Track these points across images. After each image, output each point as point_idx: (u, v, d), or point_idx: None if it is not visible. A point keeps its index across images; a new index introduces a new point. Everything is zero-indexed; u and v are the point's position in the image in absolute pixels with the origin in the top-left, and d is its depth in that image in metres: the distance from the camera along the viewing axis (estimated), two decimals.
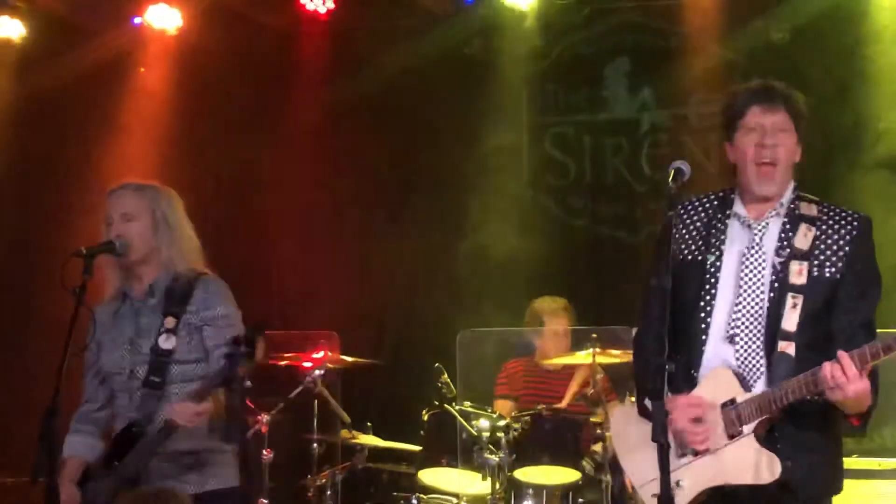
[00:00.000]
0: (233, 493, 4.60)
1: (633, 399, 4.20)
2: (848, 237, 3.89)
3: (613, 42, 8.83)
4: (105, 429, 4.62)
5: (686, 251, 4.01)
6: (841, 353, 3.59)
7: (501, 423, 6.42)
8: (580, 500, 6.40)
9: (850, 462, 6.05)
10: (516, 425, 6.43)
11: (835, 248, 3.88)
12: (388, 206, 9.05)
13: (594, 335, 6.64)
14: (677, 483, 3.78)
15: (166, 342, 4.48)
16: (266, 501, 6.81)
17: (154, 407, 4.45)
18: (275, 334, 7.35)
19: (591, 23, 8.65)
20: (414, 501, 6.45)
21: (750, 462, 3.75)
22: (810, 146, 8.06)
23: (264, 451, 6.83)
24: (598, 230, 8.78)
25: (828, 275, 3.85)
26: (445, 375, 6.74)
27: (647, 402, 3.83)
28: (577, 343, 7.03)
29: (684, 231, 4.04)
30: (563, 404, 7.08)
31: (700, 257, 3.96)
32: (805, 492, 3.81)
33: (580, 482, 6.34)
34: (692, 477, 3.82)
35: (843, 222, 3.92)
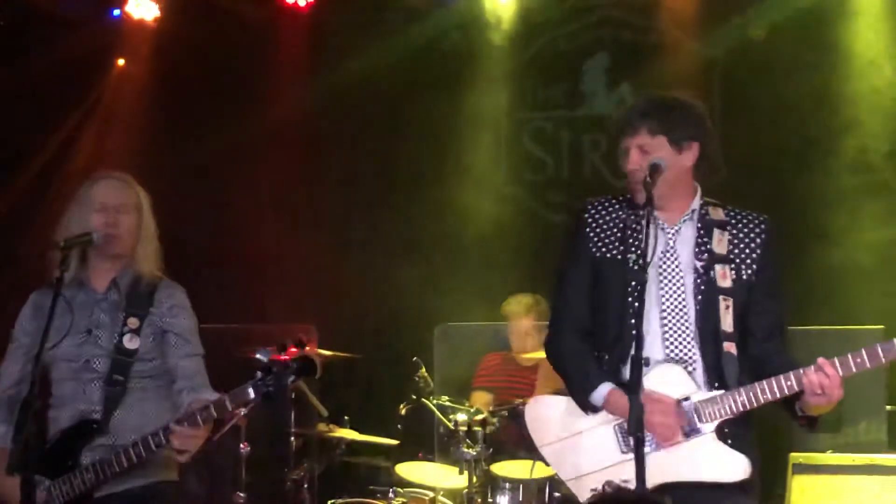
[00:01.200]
0: (173, 486, 4.60)
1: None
2: (758, 240, 4.04)
3: (592, 38, 8.84)
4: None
5: (603, 249, 4.08)
6: (822, 361, 3.72)
7: (479, 417, 6.44)
8: (556, 493, 6.42)
9: (824, 457, 6.10)
10: (493, 419, 6.44)
11: (747, 251, 4.02)
12: (367, 199, 9.05)
13: None
14: (624, 480, 3.75)
15: (130, 342, 4.47)
16: (243, 495, 6.80)
17: (115, 404, 4.44)
18: (252, 328, 7.35)
19: (571, 18, 8.66)
20: (391, 495, 6.46)
21: (716, 461, 3.84)
22: (787, 144, 8.16)
23: (241, 445, 6.82)
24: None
25: (745, 277, 4.00)
26: (423, 370, 6.75)
27: (598, 396, 3.93)
28: None
29: (599, 230, 4.12)
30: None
31: (619, 256, 4.03)
32: (753, 484, 3.93)
33: (557, 476, 6.35)
34: (648, 472, 3.78)
35: (751, 226, 4.07)
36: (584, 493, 3.96)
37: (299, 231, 8.93)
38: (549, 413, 4.16)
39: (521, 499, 6.45)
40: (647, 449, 3.71)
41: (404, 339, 8.16)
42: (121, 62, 8.99)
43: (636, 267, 3.92)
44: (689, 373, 3.92)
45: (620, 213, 4.13)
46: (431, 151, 8.77)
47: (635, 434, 3.54)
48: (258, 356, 4.16)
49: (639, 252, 3.94)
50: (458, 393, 7.01)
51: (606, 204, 4.19)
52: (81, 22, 8.71)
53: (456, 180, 8.63)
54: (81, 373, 4.47)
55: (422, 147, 8.84)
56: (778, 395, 3.79)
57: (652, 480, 3.76)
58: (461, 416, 6.47)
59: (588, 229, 4.13)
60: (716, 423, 3.85)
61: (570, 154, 8.94)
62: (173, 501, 4.62)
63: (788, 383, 3.76)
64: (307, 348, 4.12)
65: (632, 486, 3.72)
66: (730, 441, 3.87)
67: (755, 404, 3.82)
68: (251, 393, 4.10)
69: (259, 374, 4.10)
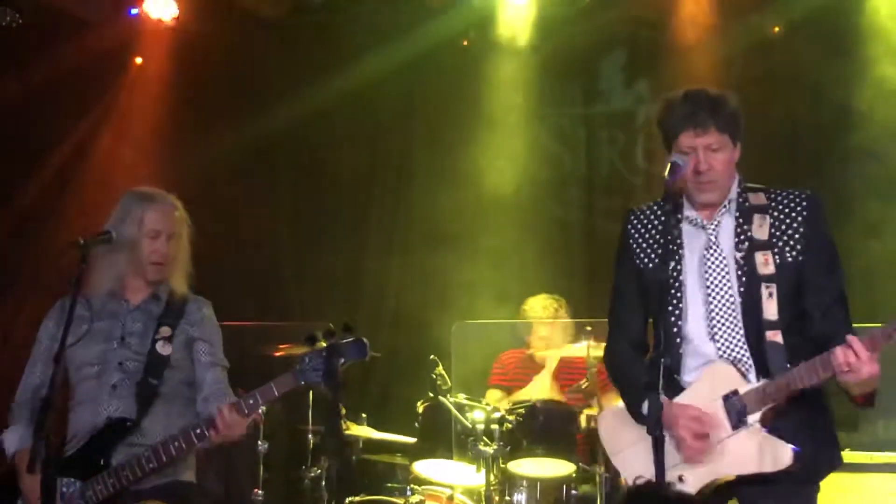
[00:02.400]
0: (190, 486, 4.66)
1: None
2: (800, 218, 3.98)
3: (609, 35, 8.83)
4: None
5: (647, 260, 4.11)
6: (851, 338, 3.66)
7: (496, 415, 6.44)
8: (574, 491, 6.43)
9: (842, 455, 6.09)
10: (510, 417, 6.45)
11: (790, 231, 3.97)
12: (384, 198, 9.06)
13: (588, 328, 6.68)
14: (679, 478, 3.88)
15: (163, 349, 4.59)
16: (261, 492, 6.82)
17: (148, 406, 4.52)
18: (271, 326, 7.38)
19: (588, 15, 8.63)
20: (408, 492, 6.46)
21: (758, 452, 3.81)
22: (803, 138, 8.12)
23: (259, 442, 6.84)
24: (593, 222, 8.79)
25: (790, 259, 3.94)
26: (440, 368, 6.76)
27: (645, 407, 3.87)
28: (575, 334, 7.07)
29: (641, 240, 4.16)
30: (545, 378, 7.12)
31: (662, 265, 3.97)
32: (810, 469, 3.88)
33: (574, 474, 6.36)
34: (695, 471, 3.89)
35: (792, 205, 4.01)
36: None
37: (317, 230, 8.96)
38: (616, 423, 4.20)
39: (538, 496, 6.46)
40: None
41: (421, 337, 8.17)
42: (138, 61, 9.00)
43: (675, 273, 3.97)
44: (745, 370, 3.91)
45: (661, 218, 4.13)
46: (448, 149, 8.78)
47: (653, 434, 3.54)
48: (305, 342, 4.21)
49: (678, 259, 3.99)
50: (474, 391, 7.02)
51: (648, 212, 4.21)
52: (100, 21, 8.74)
53: (473, 178, 8.63)
54: (111, 373, 4.54)
55: (438, 145, 8.85)
56: (813, 380, 3.75)
57: (706, 478, 3.84)
58: (478, 414, 6.47)
59: (631, 240, 4.18)
60: (759, 413, 3.84)
61: (587, 151, 8.94)
62: (191, 500, 4.66)
63: (820, 365, 3.72)
64: (356, 330, 4.17)
65: (688, 485, 3.87)
66: (781, 429, 3.83)
67: (795, 389, 3.78)
68: (295, 378, 4.20)
69: (306, 359, 4.17)
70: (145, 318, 4.64)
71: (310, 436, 7.07)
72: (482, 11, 8.72)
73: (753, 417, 3.85)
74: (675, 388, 4.00)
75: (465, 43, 8.90)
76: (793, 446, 3.80)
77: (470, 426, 6.44)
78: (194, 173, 8.17)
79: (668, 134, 4.09)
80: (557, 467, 6.40)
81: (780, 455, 3.80)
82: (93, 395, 4.55)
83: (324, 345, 4.14)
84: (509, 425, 6.41)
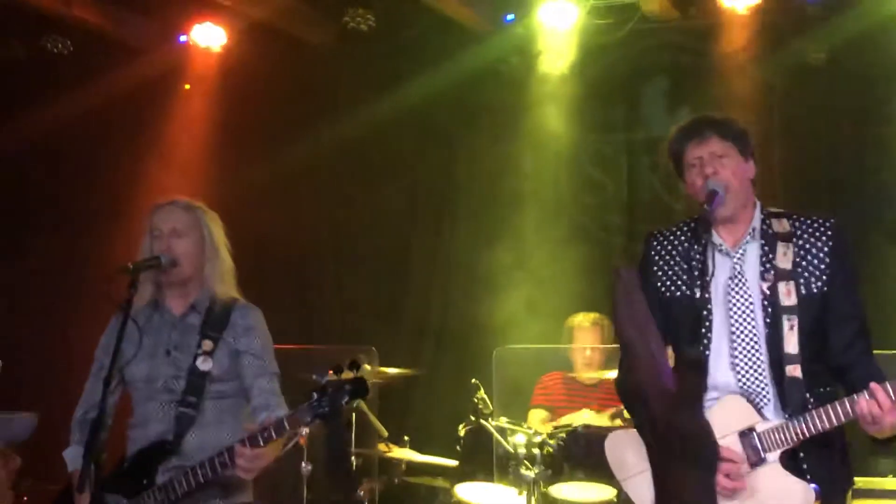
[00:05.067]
0: None
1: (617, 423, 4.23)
2: (826, 248, 3.93)
3: (651, 61, 8.84)
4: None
5: (672, 286, 4.04)
6: (875, 387, 3.62)
7: (537, 438, 6.46)
8: None
9: (885, 482, 6.08)
10: (552, 441, 6.47)
11: (816, 262, 3.92)
12: (427, 222, 9.11)
13: None
14: None
15: (204, 364, 4.55)
16: None
17: (188, 424, 4.53)
18: (314, 349, 7.45)
19: (629, 42, 8.65)
20: None
21: (780, 490, 3.77)
22: (844, 166, 8.09)
23: (303, 464, 6.90)
24: (635, 248, 8.77)
25: (815, 290, 3.89)
26: (482, 391, 6.79)
27: None
28: (615, 359, 7.07)
29: (665, 266, 4.08)
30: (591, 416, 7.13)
31: (689, 292, 3.98)
32: (829, 498, 3.84)
33: (615, 499, 6.37)
34: None
35: (817, 234, 3.96)
36: None
37: (360, 254, 9.03)
38: (625, 448, 4.19)
39: None
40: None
41: (463, 360, 8.20)
42: (187, 87, 9.12)
43: (702, 300, 3.91)
44: (763, 404, 3.87)
45: (685, 243, 4.08)
46: (490, 175, 8.82)
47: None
48: (315, 378, 4.23)
49: (703, 285, 3.91)
50: (516, 415, 7.04)
51: (671, 236, 4.15)
52: (149, 48, 8.87)
53: (515, 203, 8.66)
54: (161, 394, 4.56)
55: (480, 170, 8.89)
56: (834, 423, 3.72)
57: None
58: (520, 438, 6.50)
59: (654, 266, 4.11)
60: (779, 451, 3.80)
61: (629, 177, 8.94)
62: None
63: (843, 410, 3.69)
64: (362, 368, 4.18)
65: None
66: (804, 467, 3.81)
67: (814, 432, 3.75)
68: (306, 415, 4.16)
69: (315, 395, 4.14)
70: (188, 331, 4.61)
71: (352, 458, 7.13)
72: (524, 38, 8.76)
73: (773, 455, 3.80)
74: None
75: (505, 69, 8.94)
76: (814, 485, 3.77)
77: (511, 450, 6.48)
78: (239, 197, 8.24)
79: (676, 157, 4.09)
80: (598, 492, 6.41)
81: (802, 495, 3.76)
82: (144, 415, 4.59)
83: (330, 381, 4.15)
84: (550, 449, 6.43)
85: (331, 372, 4.17)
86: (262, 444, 4.22)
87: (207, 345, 4.57)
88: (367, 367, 7.10)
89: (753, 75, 8.33)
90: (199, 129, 8.94)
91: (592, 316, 7.48)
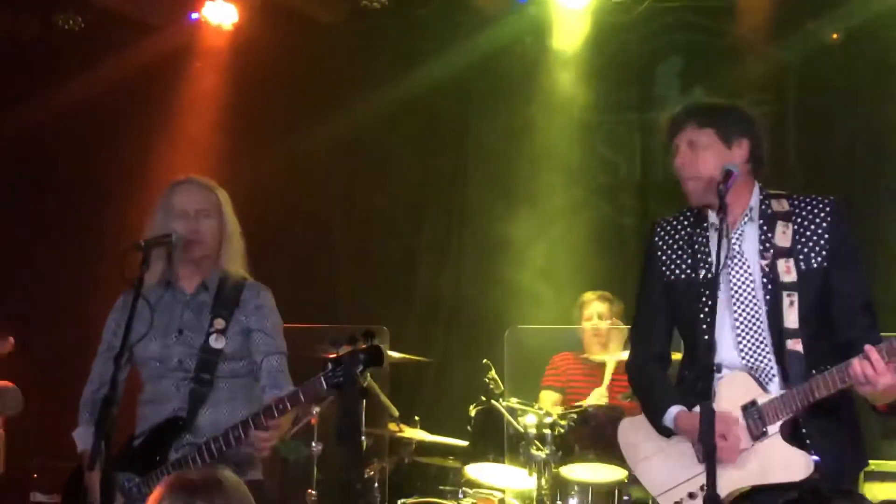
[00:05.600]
0: (256, 484, 4.63)
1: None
2: (825, 224, 3.97)
3: (665, 41, 8.79)
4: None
5: (676, 270, 4.12)
6: (869, 349, 3.64)
7: (548, 419, 6.46)
8: (626, 497, 6.42)
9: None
10: (563, 422, 6.46)
11: (815, 238, 3.96)
12: (439, 202, 9.09)
13: None
14: (701, 488, 3.85)
15: (217, 342, 4.56)
16: (315, 493, 6.88)
17: (201, 401, 4.54)
18: (325, 328, 7.44)
19: (644, 21, 8.61)
20: (460, 495, 6.50)
21: (780, 461, 3.82)
22: (861, 147, 8.05)
23: (313, 444, 6.90)
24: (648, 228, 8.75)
25: (815, 265, 3.94)
26: (493, 372, 6.78)
27: (668, 419, 4.01)
28: (625, 339, 7.07)
29: (669, 251, 4.17)
30: (602, 388, 7.11)
31: (693, 275, 4.06)
32: (835, 476, 3.87)
33: (626, 479, 6.36)
34: (719, 480, 3.84)
35: (816, 210, 4.00)
36: None
37: (372, 234, 9.02)
38: (637, 433, 4.25)
39: (589, 501, 6.47)
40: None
41: (474, 341, 8.20)
42: (198, 65, 9.10)
43: (705, 281, 3.99)
44: (767, 380, 3.92)
45: (688, 228, 4.16)
46: (503, 155, 8.79)
47: (705, 441, 3.54)
48: (332, 350, 4.21)
49: (707, 267, 4.00)
50: (527, 395, 7.03)
51: (674, 222, 4.23)
52: (160, 26, 8.85)
53: (527, 183, 8.64)
54: (175, 372, 4.58)
55: (493, 150, 8.86)
56: (832, 388, 3.74)
57: (728, 488, 3.83)
58: (531, 418, 6.49)
59: (659, 252, 4.20)
60: (779, 423, 3.85)
61: (642, 157, 8.91)
62: (259, 501, 4.69)
63: (840, 376, 3.71)
64: (377, 338, 4.16)
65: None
66: (808, 438, 3.85)
67: (811, 400, 3.78)
68: (322, 384, 4.15)
69: (329, 365, 4.14)
70: (200, 309, 4.62)
71: (363, 438, 7.12)
72: (538, 18, 8.72)
73: (773, 428, 3.87)
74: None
75: (519, 50, 8.90)
76: (814, 456, 3.81)
77: (522, 430, 6.47)
78: (251, 176, 8.25)
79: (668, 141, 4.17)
80: (609, 472, 6.40)
81: (802, 465, 3.82)
82: (156, 393, 4.60)
83: (345, 352, 4.14)
84: (561, 430, 6.42)
85: (346, 346, 4.15)
86: (276, 415, 4.22)
87: (219, 323, 4.58)
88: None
89: (769, 55, 8.29)
90: (210, 107, 8.92)
91: (600, 292, 7.48)
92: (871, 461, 5.91)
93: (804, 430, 3.87)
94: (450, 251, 8.93)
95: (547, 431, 6.40)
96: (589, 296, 7.50)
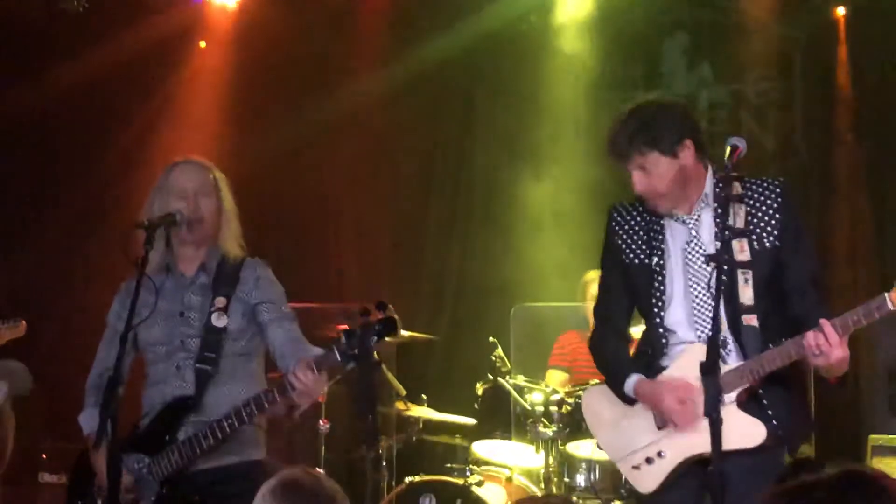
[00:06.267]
0: (260, 465, 4.65)
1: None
2: (775, 205, 4.14)
3: (672, 18, 8.77)
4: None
5: (631, 255, 4.29)
6: (824, 322, 3.81)
7: (555, 396, 6.46)
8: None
9: None
10: (569, 399, 6.47)
11: (766, 219, 4.13)
12: (445, 180, 9.09)
13: None
14: (658, 453, 4.10)
15: (219, 320, 4.53)
16: (322, 471, 6.90)
17: (207, 381, 4.52)
18: (332, 307, 7.45)
19: None
20: (467, 473, 6.51)
21: (736, 428, 3.91)
22: (870, 122, 8.03)
23: (321, 422, 6.91)
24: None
25: (768, 245, 4.10)
26: (499, 350, 6.79)
27: (629, 387, 4.20)
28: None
29: (625, 235, 4.33)
30: None
31: (646, 260, 4.24)
32: (790, 439, 4.10)
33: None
34: (674, 447, 4.08)
35: (767, 192, 4.16)
36: (628, 472, 4.25)
37: (378, 213, 9.01)
38: (600, 402, 4.41)
39: (597, 478, 6.48)
40: (672, 427, 4.06)
41: (481, 319, 8.20)
42: (202, 45, 9.09)
43: (657, 267, 4.20)
44: (726, 354, 4.05)
45: (645, 215, 4.30)
46: (508, 132, 8.78)
47: (710, 415, 3.59)
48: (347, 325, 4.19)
49: (660, 254, 4.21)
50: (534, 373, 7.04)
51: (631, 209, 4.36)
52: (165, 6, 8.84)
53: (533, 161, 8.63)
54: (177, 353, 4.56)
55: (499, 127, 8.85)
56: (787, 360, 3.91)
57: (684, 454, 4.01)
58: (537, 396, 6.50)
59: (615, 236, 4.35)
60: (735, 392, 3.98)
61: None
62: (261, 481, 4.68)
63: (795, 348, 3.88)
64: (390, 308, 4.12)
65: (667, 459, 4.07)
66: (768, 407, 4.02)
67: (766, 370, 3.94)
68: (337, 356, 4.13)
69: (343, 338, 4.11)
70: (201, 291, 4.59)
71: (370, 416, 7.12)
72: None
73: (730, 397, 3.97)
74: (657, 372, 4.19)
75: (525, 27, 8.87)
76: (773, 422, 3.99)
77: (529, 408, 6.48)
78: (254, 156, 8.25)
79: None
80: None
81: (756, 432, 3.98)
82: (161, 375, 4.58)
83: (359, 323, 4.11)
84: (568, 407, 6.43)
85: (360, 319, 4.14)
86: (316, 370, 4.19)
87: (220, 301, 4.56)
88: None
89: (775, 31, 8.25)
90: (214, 87, 8.92)
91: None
92: (878, 436, 5.98)
93: (764, 400, 4.03)
94: (455, 230, 8.93)
95: (554, 409, 6.41)
96: (592, 274, 7.46)
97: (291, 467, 3.31)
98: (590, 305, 7.41)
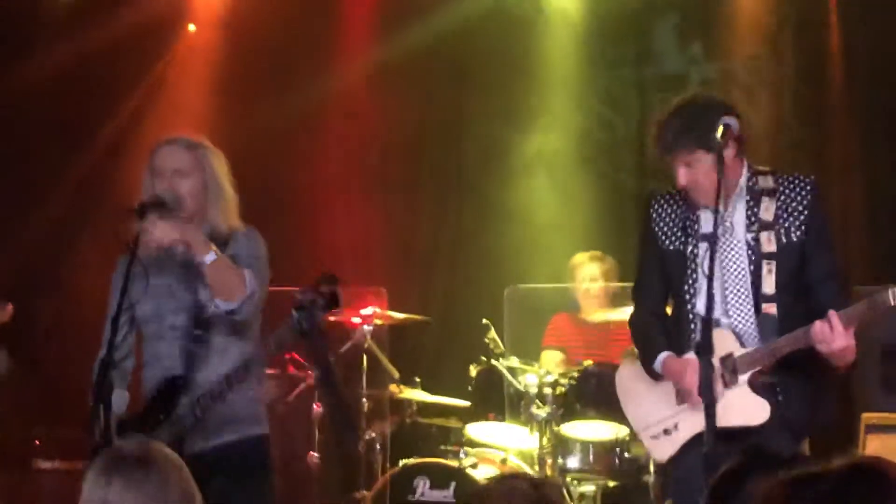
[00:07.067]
0: (264, 439, 4.68)
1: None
2: (805, 202, 4.38)
3: None
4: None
5: (667, 241, 4.55)
6: (831, 313, 4.09)
7: (549, 378, 6.46)
8: (626, 454, 6.44)
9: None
10: (563, 380, 6.47)
11: (796, 213, 4.38)
12: (435, 163, 9.07)
13: None
14: (675, 426, 4.45)
15: (204, 294, 4.51)
16: (316, 455, 6.90)
17: (196, 359, 4.52)
18: None
19: None
20: (462, 455, 6.51)
21: (742, 407, 4.25)
22: (860, 107, 8.01)
23: (314, 406, 6.91)
24: (645, 185, 8.71)
25: (795, 239, 4.36)
26: (493, 331, 6.79)
27: (658, 363, 4.47)
28: (623, 298, 7.04)
29: (662, 224, 4.58)
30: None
31: (681, 247, 4.50)
32: (799, 427, 4.34)
33: (627, 437, 6.37)
34: (688, 420, 4.35)
35: (798, 188, 4.41)
36: (647, 441, 4.62)
37: (369, 195, 8.98)
38: (633, 380, 4.69)
39: (591, 459, 6.49)
40: (689, 403, 4.34)
41: (474, 301, 8.18)
42: (191, 28, 9.04)
43: (692, 255, 4.44)
44: (749, 339, 4.35)
45: (682, 204, 4.52)
46: (499, 113, 8.76)
47: (704, 395, 3.89)
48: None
49: (695, 243, 4.44)
50: (527, 354, 7.04)
51: (669, 199, 4.59)
52: None
53: (524, 142, 8.61)
54: (169, 331, 4.57)
55: (490, 109, 8.82)
56: (795, 346, 4.18)
57: (697, 428, 4.14)
58: (531, 378, 6.51)
59: (653, 224, 4.59)
60: (748, 373, 4.28)
61: (639, 114, 8.85)
62: (265, 455, 4.69)
63: (802, 335, 4.16)
64: (334, 279, 4.16)
65: (682, 432, 4.40)
66: (779, 389, 4.31)
67: (778, 355, 4.23)
68: (288, 333, 4.19)
69: (294, 313, 4.14)
70: (191, 266, 4.53)
71: (363, 399, 7.13)
72: None
73: (743, 377, 4.28)
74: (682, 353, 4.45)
75: (516, 10, 8.84)
76: (772, 406, 4.25)
77: (523, 389, 6.48)
78: (244, 139, 8.20)
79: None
80: (610, 430, 6.42)
81: (758, 413, 4.26)
82: (154, 354, 4.60)
83: (306, 299, 4.13)
84: (562, 388, 6.45)
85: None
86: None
87: None
88: (377, 308, 7.14)
89: (766, 9, 8.22)
90: (204, 68, 8.88)
91: (590, 252, 7.46)
92: (872, 413, 5.99)
93: (777, 387, 4.31)
94: (447, 211, 8.91)
95: (548, 390, 6.41)
96: (579, 258, 7.46)
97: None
98: (578, 287, 7.43)
